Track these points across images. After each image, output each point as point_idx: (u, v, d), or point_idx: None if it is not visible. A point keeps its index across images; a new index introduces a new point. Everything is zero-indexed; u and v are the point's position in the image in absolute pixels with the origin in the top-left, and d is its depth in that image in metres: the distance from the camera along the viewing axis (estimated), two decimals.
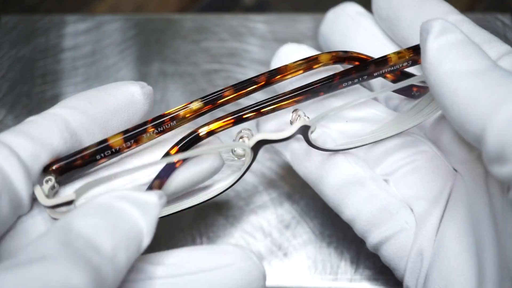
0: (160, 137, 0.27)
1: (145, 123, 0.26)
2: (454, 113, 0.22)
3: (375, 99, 0.32)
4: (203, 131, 0.27)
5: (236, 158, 0.27)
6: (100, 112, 0.27)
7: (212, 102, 0.27)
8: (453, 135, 0.29)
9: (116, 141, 0.26)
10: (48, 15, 0.43)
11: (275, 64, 0.31)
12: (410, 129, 0.29)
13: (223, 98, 0.27)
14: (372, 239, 0.28)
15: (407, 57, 0.28)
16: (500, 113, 0.20)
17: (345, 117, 0.30)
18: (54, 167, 0.25)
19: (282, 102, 0.27)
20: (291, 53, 0.31)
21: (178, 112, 0.27)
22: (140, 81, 0.27)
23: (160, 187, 0.27)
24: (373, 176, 0.29)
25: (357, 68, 0.28)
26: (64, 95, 0.39)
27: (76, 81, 0.40)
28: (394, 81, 0.29)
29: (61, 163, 0.25)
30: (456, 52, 0.22)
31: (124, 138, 0.26)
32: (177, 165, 0.27)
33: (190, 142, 0.27)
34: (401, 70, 0.28)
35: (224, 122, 0.27)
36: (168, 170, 0.27)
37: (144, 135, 0.26)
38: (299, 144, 0.30)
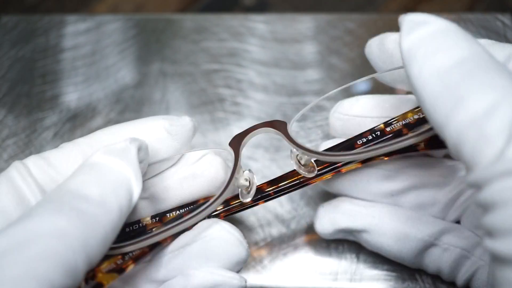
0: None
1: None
2: (429, 118, 0.21)
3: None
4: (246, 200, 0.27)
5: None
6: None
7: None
8: None
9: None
10: (48, 15, 0.43)
11: None
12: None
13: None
14: (459, 283, 0.30)
15: None
16: (453, 120, 0.20)
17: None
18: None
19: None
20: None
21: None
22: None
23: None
24: (441, 228, 0.29)
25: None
26: (64, 95, 0.39)
27: (76, 81, 0.40)
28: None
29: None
30: (424, 49, 0.21)
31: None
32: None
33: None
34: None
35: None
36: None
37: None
38: (366, 234, 0.30)
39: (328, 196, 0.32)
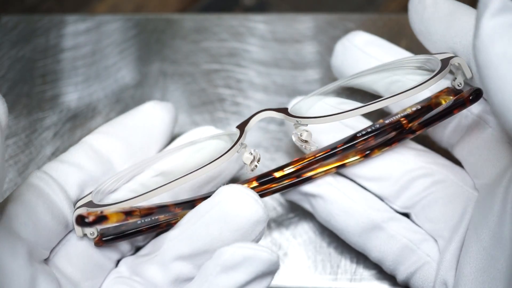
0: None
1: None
2: (497, 98, 0.21)
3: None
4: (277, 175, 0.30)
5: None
6: (119, 130, 0.31)
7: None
8: (479, 157, 0.29)
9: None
10: (48, 15, 0.43)
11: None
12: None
13: None
14: (400, 276, 0.30)
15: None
16: None
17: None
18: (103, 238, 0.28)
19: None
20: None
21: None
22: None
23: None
24: (391, 216, 0.30)
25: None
26: (64, 95, 0.39)
27: (76, 81, 0.40)
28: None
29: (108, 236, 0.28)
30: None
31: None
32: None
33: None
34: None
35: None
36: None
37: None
38: (320, 200, 0.31)
39: None
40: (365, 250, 0.31)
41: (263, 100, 0.39)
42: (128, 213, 0.26)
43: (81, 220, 0.24)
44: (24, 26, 0.42)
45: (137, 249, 0.31)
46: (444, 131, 0.31)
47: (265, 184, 0.30)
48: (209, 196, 0.27)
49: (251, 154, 0.28)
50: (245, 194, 0.26)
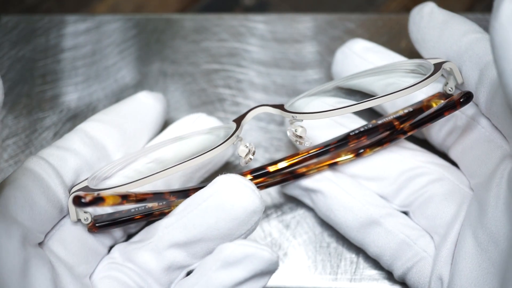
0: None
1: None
2: (511, 79, 0.21)
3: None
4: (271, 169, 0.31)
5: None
6: (113, 117, 0.32)
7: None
8: (472, 158, 0.30)
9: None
10: (48, 15, 0.43)
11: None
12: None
13: None
14: (396, 271, 0.30)
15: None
16: None
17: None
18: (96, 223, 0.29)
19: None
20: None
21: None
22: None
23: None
24: (389, 212, 0.31)
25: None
26: (64, 95, 0.39)
27: (76, 81, 0.40)
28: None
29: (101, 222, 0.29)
30: None
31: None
32: None
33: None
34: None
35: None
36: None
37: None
38: (320, 195, 0.32)
39: None
40: (363, 245, 0.31)
41: (263, 100, 0.39)
42: (124, 197, 0.26)
43: (78, 201, 0.24)
44: (24, 26, 0.42)
45: (129, 236, 0.31)
46: (439, 134, 0.32)
47: (259, 177, 0.31)
48: (203, 186, 0.27)
49: (247, 147, 0.28)
50: (242, 184, 0.26)
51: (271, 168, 0.31)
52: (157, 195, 0.28)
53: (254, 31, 0.42)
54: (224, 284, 0.25)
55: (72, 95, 0.40)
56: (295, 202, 0.35)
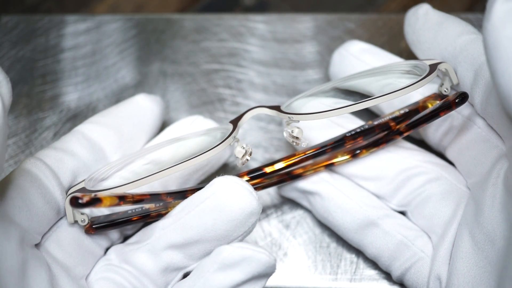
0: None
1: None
2: (504, 79, 0.22)
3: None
4: (268, 170, 0.31)
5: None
6: (111, 119, 0.32)
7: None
8: (469, 157, 0.30)
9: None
10: (48, 15, 0.43)
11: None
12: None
13: None
14: (395, 272, 0.30)
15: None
16: None
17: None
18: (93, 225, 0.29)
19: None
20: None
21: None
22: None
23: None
24: (387, 213, 0.31)
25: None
26: (64, 95, 0.39)
27: (76, 81, 0.40)
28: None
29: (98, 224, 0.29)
30: None
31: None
32: None
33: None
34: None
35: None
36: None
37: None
38: (318, 197, 0.32)
39: None
40: (361, 247, 0.32)
41: (263, 100, 0.39)
42: (122, 198, 0.26)
43: (75, 201, 0.24)
44: (24, 26, 0.42)
45: (125, 238, 0.31)
46: (436, 134, 0.32)
47: (256, 178, 0.31)
48: (200, 188, 0.27)
49: (243, 148, 0.28)
50: (240, 186, 0.26)
51: (268, 169, 0.31)
52: (154, 196, 0.28)
53: (254, 31, 0.42)
54: (222, 287, 0.26)
55: (72, 95, 0.40)
56: (295, 202, 0.35)
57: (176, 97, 0.39)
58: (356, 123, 0.33)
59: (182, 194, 0.29)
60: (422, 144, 0.34)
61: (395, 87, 0.28)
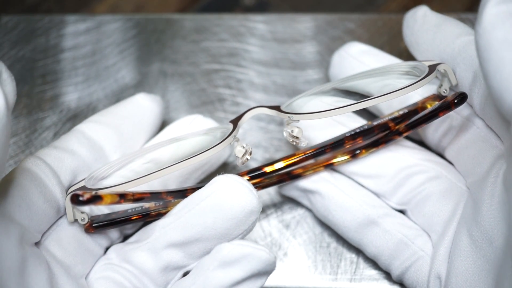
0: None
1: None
2: (495, 80, 0.22)
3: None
4: (268, 169, 0.31)
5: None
6: (110, 119, 0.32)
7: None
8: (467, 157, 0.31)
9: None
10: (48, 15, 0.43)
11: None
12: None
13: None
14: (394, 271, 0.31)
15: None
16: None
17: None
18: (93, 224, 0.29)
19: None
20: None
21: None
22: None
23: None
24: (387, 212, 0.31)
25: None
26: (64, 95, 0.39)
27: (76, 81, 0.40)
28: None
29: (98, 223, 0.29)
30: None
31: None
32: None
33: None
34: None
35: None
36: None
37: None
38: (318, 196, 0.32)
39: None
40: (361, 245, 0.32)
41: (263, 100, 0.39)
42: (122, 196, 0.26)
43: (75, 199, 0.24)
44: (24, 26, 0.42)
45: (125, 237, 0.31)
46: (435, 134, 0.32)
47: (255, 178, 0.31)
48: (200, 187, 0.27)
49: (243, 147, 0.28)
50: (240, 184, 0.26)
51: (268, 169, 0.31)
52: (154, 195, 0.28)
53: (254, 31, 0.42)
54: (222, 284, 0.26)
55: (72, 95, 0.40)
56: (295, 202, 0.35)
57: (176, 97, 0.39)
58: (358, 122, 0.33)
59: (182, 193, 0.29)
60: (422, 145, 0.34)
61: (394, 88, 0.28)
